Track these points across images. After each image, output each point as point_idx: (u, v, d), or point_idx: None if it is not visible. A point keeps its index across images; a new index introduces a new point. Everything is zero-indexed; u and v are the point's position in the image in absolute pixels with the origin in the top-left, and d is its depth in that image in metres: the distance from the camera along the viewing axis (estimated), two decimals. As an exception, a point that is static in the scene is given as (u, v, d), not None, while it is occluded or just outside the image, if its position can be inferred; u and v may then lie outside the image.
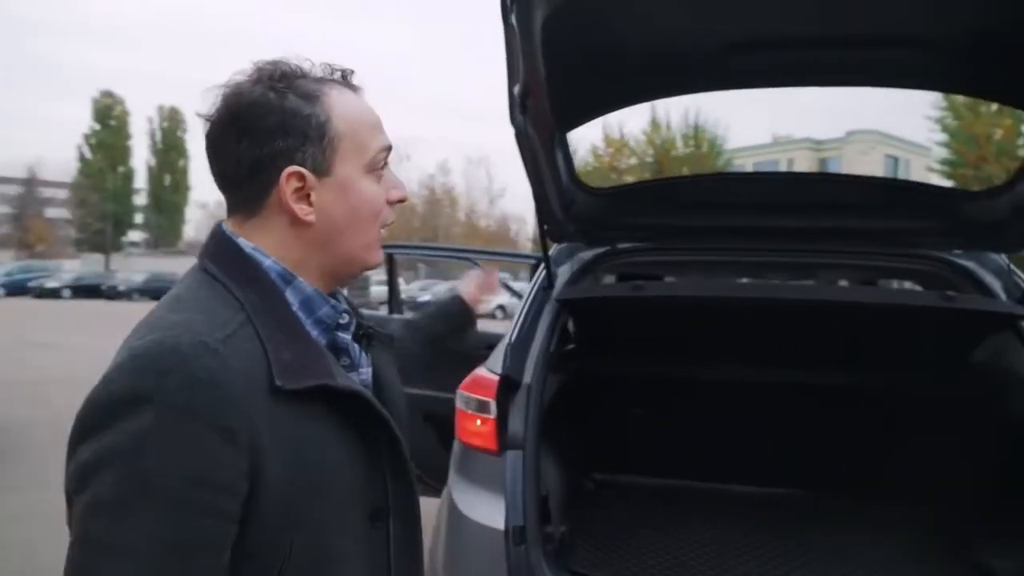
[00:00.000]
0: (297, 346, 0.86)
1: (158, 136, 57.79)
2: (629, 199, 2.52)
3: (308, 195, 0.90)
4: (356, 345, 1.01)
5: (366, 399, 0.91)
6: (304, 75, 0.92)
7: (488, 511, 2.10)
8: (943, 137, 27.15)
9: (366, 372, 1.03)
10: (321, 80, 0.93)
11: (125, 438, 0.72)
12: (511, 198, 53.22)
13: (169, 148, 57.72)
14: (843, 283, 3.34)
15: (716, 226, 2.51)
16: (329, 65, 0.95)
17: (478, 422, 2.25)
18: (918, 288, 2.95)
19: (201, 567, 0.74)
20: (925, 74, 2.01)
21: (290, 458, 0.81)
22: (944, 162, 27.36)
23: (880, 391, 2.88)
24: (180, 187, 58.58)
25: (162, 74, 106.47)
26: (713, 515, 2.89)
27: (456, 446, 2.32)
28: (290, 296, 0.91)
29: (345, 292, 1.11)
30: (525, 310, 2.46)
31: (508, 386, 2.17)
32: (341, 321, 0.98)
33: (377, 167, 0.95)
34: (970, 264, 2.46)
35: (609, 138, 35.21)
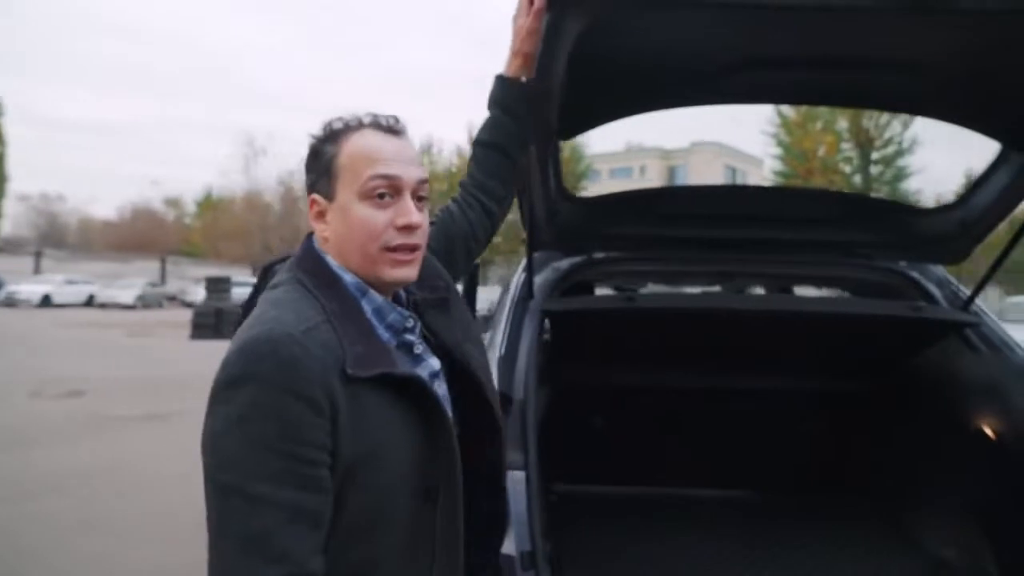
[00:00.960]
0: (367, 342, 1.04)
1: (-33, 120, 51.63)
2: (609, 209, 2.50)
3: (324, 217, 1.13)
4: (423, 343, 1.17)
5: (423, 385, 1.07)
6: (346, 125, 1.13)
7: None
8: (777, 151, 29.53)
9: (434, 362, 1.17)
10: (354, 127, 1.13)
11: (238, 407, 0.93)
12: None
13: (-19, 133, 51.78)
14: (800, 290, 3.50)
15: (685, 236, 2.55)
16: (373, 114, 1.15)
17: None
18: (850, 296, 3.14)
19: (309, 502, 0.94)
20: (916, 99, 2.13)
21: (357, 431, 0.98)
22: (777, 173, 29.75)
23: (830, 393, 3.03)
24: (-4, 177, 52.70)
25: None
26: (680, 521, 2.93)
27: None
28: (365, 305, 1.11)
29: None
30: (508, 320, 2.37)
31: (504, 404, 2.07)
32: (407, 325, 1.15)
33: (371, 194, 1.09)
34: (916, 275, 2.65)
35: (472, 140, 35.66)
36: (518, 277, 2.59)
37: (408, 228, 1.10)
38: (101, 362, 12.64)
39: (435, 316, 1.23)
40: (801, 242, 2.56)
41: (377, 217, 1.09)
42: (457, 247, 1.49)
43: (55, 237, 55.06)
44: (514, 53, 1.53)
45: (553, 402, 2.74)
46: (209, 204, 53.20)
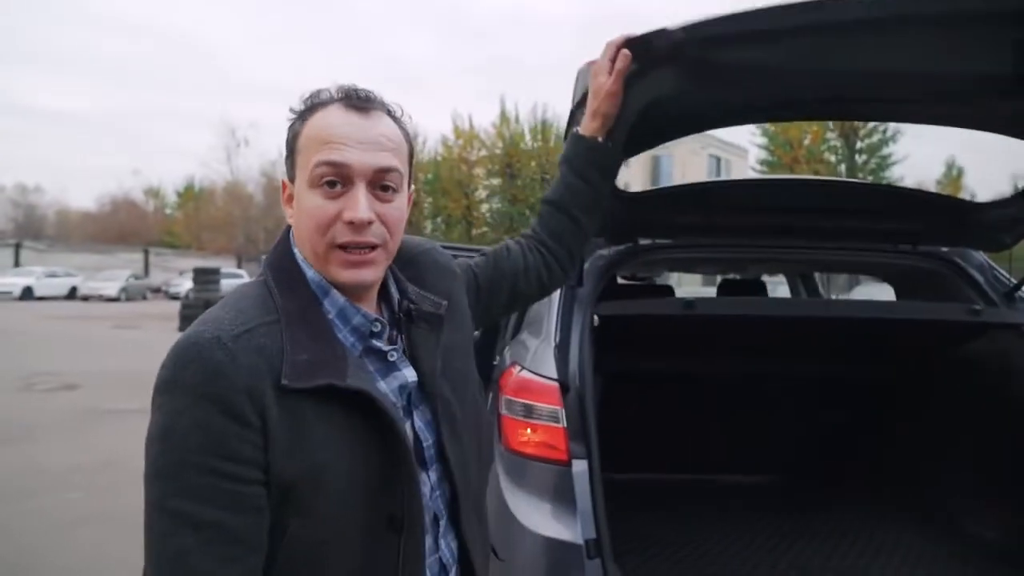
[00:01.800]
0: (318, 348, 0.93)
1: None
2: (658, 202, 2.47)
3: (291, 201, 1.03)
4: (397, 352, 1.05)
5: (370, 399, 0.93)
6: (318, 99, 1.01)
7: (545, 521, 1.97)
8: (763, 140, 29.69)
9: (409, 373, 1.05)
10: (325, 102, 1.00)
11: (163, 416, 0.87)
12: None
13: (-45, 122, 50.78)
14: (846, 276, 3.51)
15: (732, 225, 2.52)
16: (346, 88, 1.01)
17: (528, 431, 2.09)
18: (900, 299, 3.15)
19: (234, 521, 0.85)
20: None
21: (295, 447, 0.88)
22: (762, 162, 29.92)
23: (867, 381, 3.02)
24: (-30, 167, 51.76)
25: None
26: (715, 507, 2.93)
27: (504, 453, 2.13)
28: (328, 305, 0.99)
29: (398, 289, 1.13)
30: (559, 309, 2.32)
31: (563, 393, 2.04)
32: (374, 329, 1.02)
33: (318, 182, 0.96)
34: (958, 260, 2.65)
35: (459, 129, 35.30)
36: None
37: (352, 224, 0.96)
38: (91, 355, 12.47)
39: (421, 333, 1.08)
40: (847, 230, 2.55)
41: (325, 209, 0.96)
42: (503, 283, 1.36)
43: (33, 229, 54.23)
44: (592, 113, 1.40)
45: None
46: (191, 195, 52.65)
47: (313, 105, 1.01)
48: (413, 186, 1.11)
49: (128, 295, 31.22)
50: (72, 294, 31.13)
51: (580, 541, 1.91)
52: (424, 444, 1.05)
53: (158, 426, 0.87)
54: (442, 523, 1.08)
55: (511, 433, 2.11)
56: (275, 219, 39.33)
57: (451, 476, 1.06)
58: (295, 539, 0.90)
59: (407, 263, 1.15)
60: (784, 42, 1.33)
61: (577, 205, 1.42)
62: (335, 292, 0.99)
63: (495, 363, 3.50)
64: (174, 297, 29.20)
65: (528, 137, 34.62)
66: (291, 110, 1.02)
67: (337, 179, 0.96)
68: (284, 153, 1.04)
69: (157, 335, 16.42)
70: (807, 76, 1.57)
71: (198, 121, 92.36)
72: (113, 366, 10.91)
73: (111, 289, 30.82)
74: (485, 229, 35.49)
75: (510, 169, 34.31)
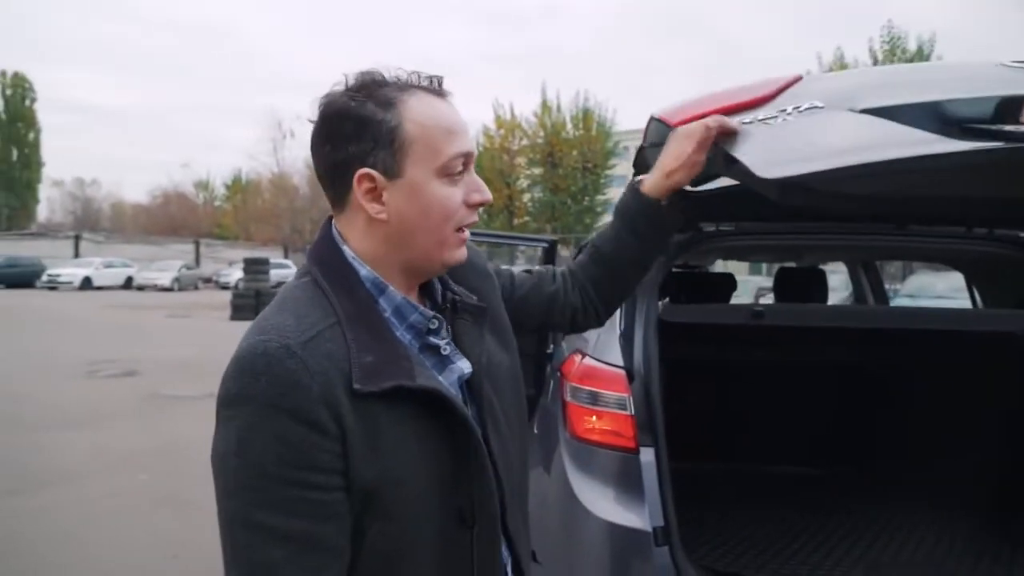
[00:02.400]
0: (382, 349, 0.91)
1: (1, 105, 52.41)
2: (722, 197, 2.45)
3: (380, 195, 0.95)
4: (450, 345, 1.04)
5: (444, 397, 0.93)
6: (387, 84, 0.96)
7: (612, 507, 1.99)
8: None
9: (464, 365, 1.04)
10: (403, 87, 0.97)
11: (236, 430, 0.85)
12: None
13: (15, 119, 52.51)
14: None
15: (797, 209, 2.48)
16: (417, 73, 0.99)
17: (593, 418, 2.11)
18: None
19: (322, 531, 0.85)
20: None
21: (373, 451, 0.87)
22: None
23: (922, 370, 2.97)
24: (31, 162, 53.42)
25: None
26: (773, 497, 2.91)
27: (569, 440, 2.15)
28: (383, 303, 0.97)
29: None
30: None
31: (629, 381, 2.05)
32: (431, 327, 1.01)
33: (452, 172, 0.97)
34: None
35: (500, 119, 35.23)
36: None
37: (483, 204, 1.01)
38: (148, 343, 12.83)
39: (465, 325, 1.08)
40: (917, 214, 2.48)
41: (455, 196, 0.98)
42: (539, 306, 1.34)
43: (90, 221, 55.98)
44: (664, 174, 1.31)
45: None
46: (238, 187, 53.70)
47: (398, 92, 0.96)
48: None
49: (181, 285, 31.94)
50: (128, 284, 31.97)
51: (648, 528, 1.92)
52: None
53: (231, 440, 0.85)
54: None
55: (576, 420, 2.12)
56: (320, 210, 39.75)
57: (496, 471, 1.04)
58: (375, 542, 0.90)
59: None
60: (889, 178, 1.23)
61: (624, 260, 1.36)
62: (391, 290, 0.98)
63: (549, 351, 3.51)
64: (224, 287, 29.79)
65: (570, 126, 34.44)
66: (350, 97, 0.95)
67: (463, 168, 0.99)
68: (360, 144, 0.94)
69: (210, 324, 16.84)
70: (894, 201, 1.55)
71: (244, 115, 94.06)
72: (169, 354, 11.23)
73: (165, 279, 31.60)
74: (527, 219, 35.46)
75: (552, 158, 34.22)
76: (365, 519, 0.89)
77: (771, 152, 1.24)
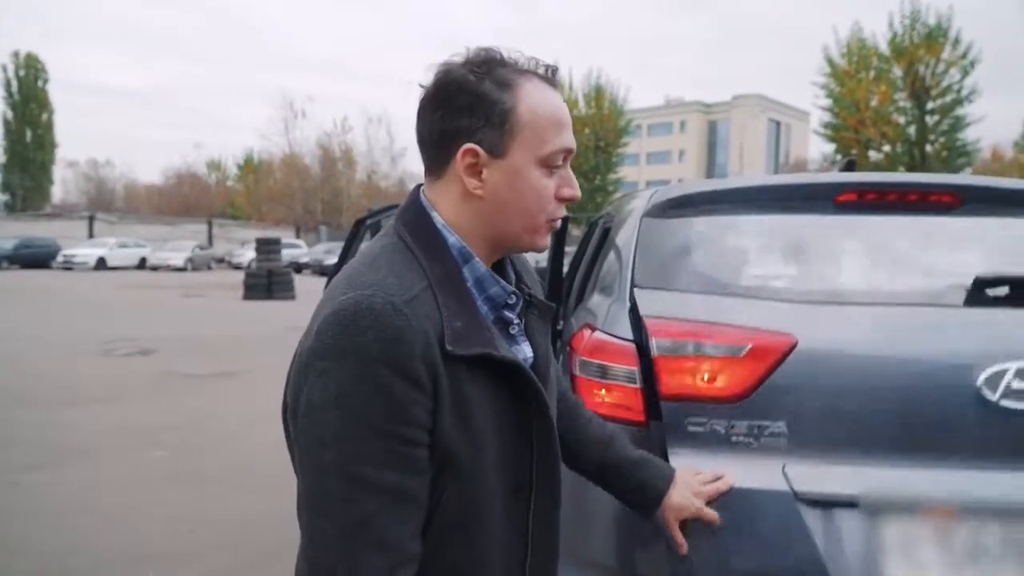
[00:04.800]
0: (467, 316, 0.95)
1: (15, 86, 52.64)
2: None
3: (480, 171, 0.99)
4: (519, 322, 1.09)
5: (524, 370, 0.98)
6: (505, 64, 0.99)
7: None
8: (827, 102, 28.64)
9: (527, 349, 1.09)
10: (521, 71, 0.99)
11: (337, 382, 0.86)
12: (413, 157, 52.21)
13: (28, 100, 52.76)
14: None
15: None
16: (535, 59, 1.02)
17: (603, 391, 2.12)
18: None
19: (411, 484, 0.89)
20: None
21: (456, 412, 0.92)
22: (826, 125, 28.92)
23: None
24: (45, 143, 53.77)
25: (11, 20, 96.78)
26: None
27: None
28: (467, 273, 1.01)
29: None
30: (632, 272, 2.33)
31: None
32: (509, 301, 1.05)
33: (552, 164, 1.00)
34: None
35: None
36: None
37: (572, 200, 1.04)
38: (163, 322, 12.94)
39: (535, 318, 1.14)
40: None
41: (550, 187, 1.02)
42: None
43: (104, 202, 56.32)
44: (669, 503, 1.42)
45: None
46: (250, 167, 53.82)
47: (518, 76, 0.99)
48: None
49: (194, 265, 32.20)
50: (142, 264, 32.28)
51: None
52: None
53: (329, 392, 0.86)
54: None
55: (585, 393, 2.13)
56: (331, 190, 39.89)
57: None
58: (449, 503, 0.94)
59: (516, 257, 1.21)
60: None
61: (582, 457, 1.45)
62: (476, 260, 1.02)
63: (559, 328, 3.50)
64: (236, 267, 30.01)
65: (582, 103, 34.24)
66: (471, 70, 0.97)
67: (563, 161, 1.03)
68: (472, 120, 0.97)
69: (223, 303, 16.99)
70: None
71: (256, 95, 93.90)
72: (184, 332, 11.31)
73: (178, 259, 31.85)
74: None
75: (564, 136, 34.20)
76: (442, 479, 0.93)
77: None
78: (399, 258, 0.97)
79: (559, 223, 1.06)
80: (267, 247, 19.32)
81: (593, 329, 2.26)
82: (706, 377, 1.91)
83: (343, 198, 41.28)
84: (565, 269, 4.18)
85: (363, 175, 46.22)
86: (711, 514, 1.39)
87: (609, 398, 2.10)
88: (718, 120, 45.15)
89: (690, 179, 2.44)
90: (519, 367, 0.97)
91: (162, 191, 59.14)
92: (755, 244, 2.29)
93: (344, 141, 44.49)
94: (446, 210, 1.02)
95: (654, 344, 2.00)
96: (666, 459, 1.79)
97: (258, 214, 47.03)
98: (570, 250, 4.44)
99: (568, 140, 1.01)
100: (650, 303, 2.18)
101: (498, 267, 1.09)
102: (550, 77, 1.02)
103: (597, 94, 33.99)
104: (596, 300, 2.51)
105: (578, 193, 1.04)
